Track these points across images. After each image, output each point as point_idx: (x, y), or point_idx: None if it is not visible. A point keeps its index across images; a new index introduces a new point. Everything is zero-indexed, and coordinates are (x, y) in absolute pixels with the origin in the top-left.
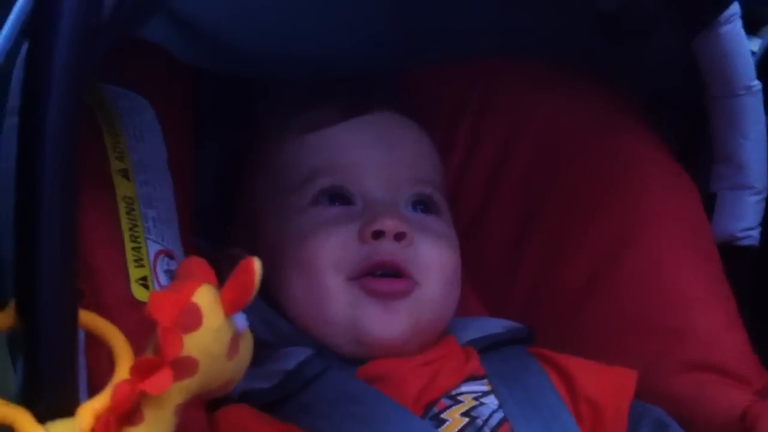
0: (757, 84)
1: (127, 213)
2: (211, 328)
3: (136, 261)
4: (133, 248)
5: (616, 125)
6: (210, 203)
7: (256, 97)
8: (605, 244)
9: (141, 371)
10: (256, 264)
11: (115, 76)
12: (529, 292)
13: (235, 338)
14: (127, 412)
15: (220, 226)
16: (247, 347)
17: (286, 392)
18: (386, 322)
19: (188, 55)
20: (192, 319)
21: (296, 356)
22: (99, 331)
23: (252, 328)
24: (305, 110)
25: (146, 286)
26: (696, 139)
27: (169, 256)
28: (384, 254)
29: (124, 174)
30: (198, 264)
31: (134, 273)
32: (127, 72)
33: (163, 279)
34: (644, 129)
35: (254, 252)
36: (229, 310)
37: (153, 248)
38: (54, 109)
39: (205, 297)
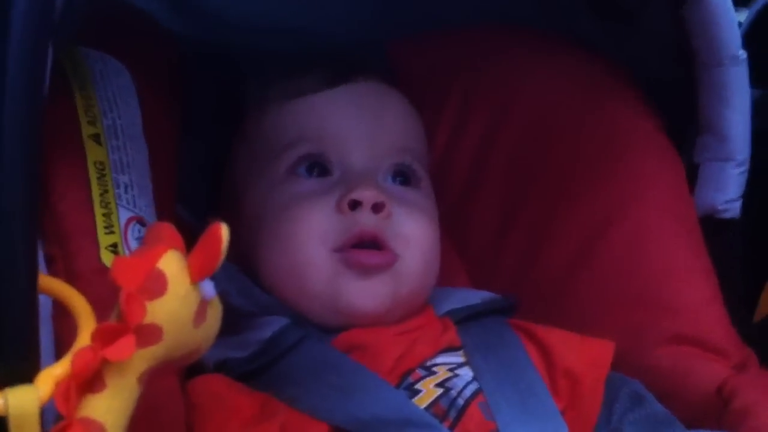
0: (742, 53)
1: (98, 178)
2: (177, 294)
3: (106, 227)
4: (104, 214)
5: (606, 97)
6: (196, 174)
7: (243, 68)
8: (592, 219)
9: (103, 338)
10: (223, 230)
11: (93, 39)
12: (517, 268)
13: (203, 305)
14: (89, 379)
15: (206, 197)
16: (215, 314)
17: (263, 361)
18: (367, 294)
19: (175, 24)
20: (157, 285)
21: (273, 325)
22: (61, 297)
23: (229, 297)
24: (289, 78)
25: (116, 253)
26: (684, 110)
27: (141, 223)
28: (363, 225)
29: (96, 139)
30: (165, 229)
31: (104, 240)
32: (105, 36)
33: (134, 246)
34: (634, 100)
35: (235, 223)
36: (196, 277)
37: (124, 215)
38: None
39: (172, 263)
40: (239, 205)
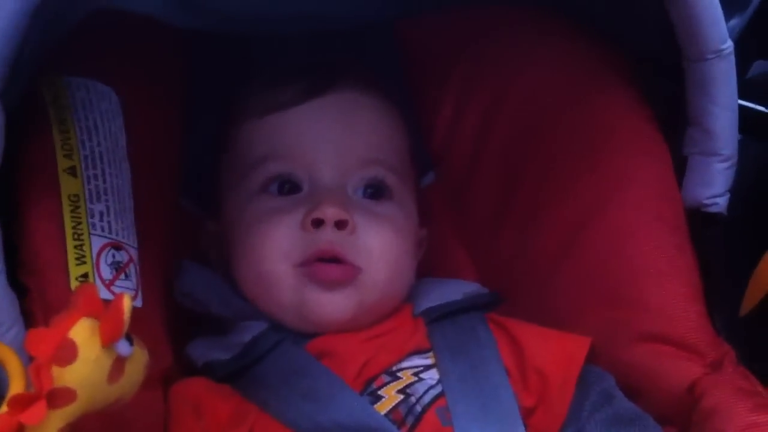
0: (728, 47)
1: (72, 211)
2: (88, 359)
3: (77, 259)
4: (76, 246)
5: (598, 89)
6: (200, 167)
7: (250, 56)
8: (574, 215)
9: (18, 404)
10: (126, 302)
11: (79, 67)
12: (510, 255)
13: (118, 363)
14: None
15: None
16: (135, 367)
17: (243, 364)
18: (329, 305)
19: (179, 20)
20: (68, 353)
21: (252, 330)
22: None
23: (211, 306)
24: (265, 91)
25: (86, 283)
26: (675, 101)
27: (116, 247)
28: (323, 243)
29: (72, 171)
30: (85, 295)
31: (75, 271)
32: (91, 60)
33: (105, 272)
34: (626, 92)
35: (221, 227)
36: (106, 342)
37: (97, 243)
38: None
39: (82, 331)
40: (222, 212)
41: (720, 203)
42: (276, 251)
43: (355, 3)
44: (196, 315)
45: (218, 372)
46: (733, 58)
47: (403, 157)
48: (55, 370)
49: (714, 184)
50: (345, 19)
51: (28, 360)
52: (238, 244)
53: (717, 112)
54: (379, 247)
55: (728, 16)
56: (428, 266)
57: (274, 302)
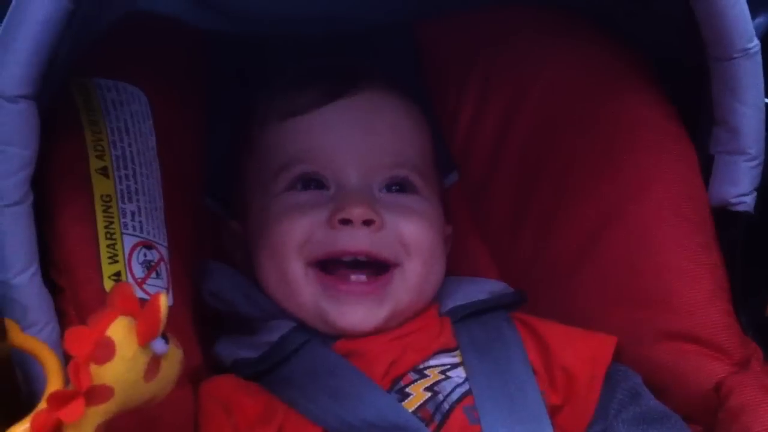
0: (754, 46)
1: (104, 211)
2: (125, 357)
3: (110, 257)
4: (108, 245)
5: (618, 87)
6: (222, 168)
7: (268, 56)
8: (595, 214)
9: (57, 401)
10: (162, 301)
11: (108, 69)
12: (530, 254)
13: (154, 361)
14: None
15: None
16: (171, 365)
17: (270, 363)
18: (352, 317)
19: (199, 20)
20: (105, 351)
21: (279, 329)
22: (35, 354)
23: (237, 306)
24: (287, 94)
25: (119, 281)
26: (700, 100)
27: (148, 246)
28: (348, 244)
29: (104, 172)
30: (121, 294)
31: (107, 270)
32: (122, 61)
33: (137, 271)
34: (647, 90)
35: (245, 229)
36: (142, 341)
37: (129, 242)
38: None
39: (119, 330)
40: (247, 214)
41: (747, 202)
42: (293, 245)
43: (373, 4)
44: (222, 315)
45: (246, 370)
46: (759, 57)
47: (426, 155)
48: (93, 368)
49: (741, 183)
50: (362, 21)
51: (63, 357)
52: (261, 242)
53: (743, 111)
54: (412, 235)
55: (754, 14)
56: (452, 265)
57: (296, 303)
